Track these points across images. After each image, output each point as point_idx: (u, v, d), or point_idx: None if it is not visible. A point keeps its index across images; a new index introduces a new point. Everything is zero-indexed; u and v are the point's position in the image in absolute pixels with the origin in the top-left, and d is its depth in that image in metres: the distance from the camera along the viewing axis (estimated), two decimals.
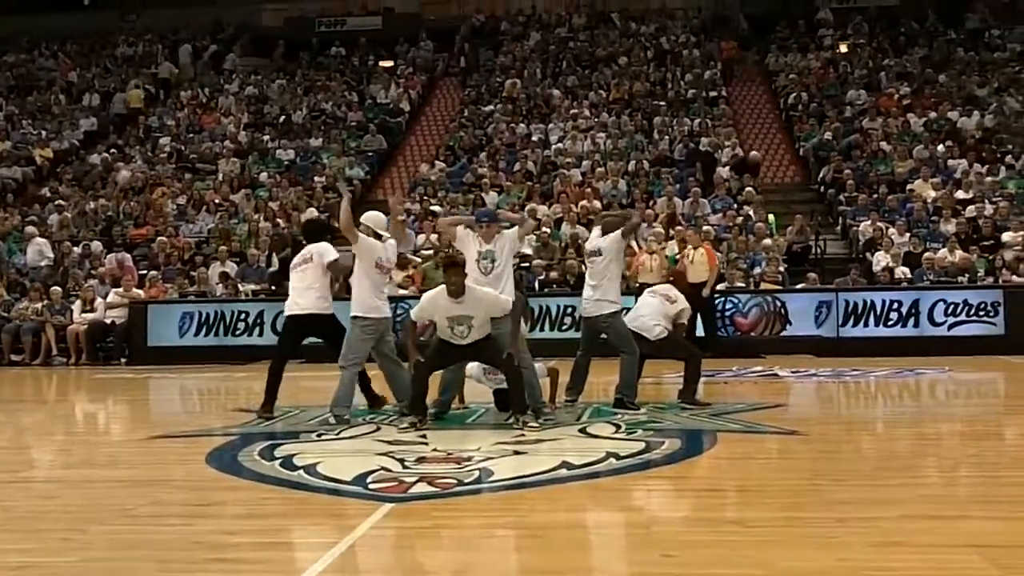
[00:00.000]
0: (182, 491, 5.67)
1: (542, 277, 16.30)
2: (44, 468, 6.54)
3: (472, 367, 8.32)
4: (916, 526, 4.58)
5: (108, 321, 15.69)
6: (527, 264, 16.12)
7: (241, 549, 4.33)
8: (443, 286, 7.24)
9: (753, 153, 21.09)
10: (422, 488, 5.41)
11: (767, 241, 16.56)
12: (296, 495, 5.41)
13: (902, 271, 15.67)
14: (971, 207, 17.51)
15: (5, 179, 22.25)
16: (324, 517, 4.89)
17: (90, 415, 8.94)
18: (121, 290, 16.08)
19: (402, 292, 15.48)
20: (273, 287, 16.62)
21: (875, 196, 18.49)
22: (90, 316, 15.72)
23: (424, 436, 7.15)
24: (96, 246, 18.09)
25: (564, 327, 14.81)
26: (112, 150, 23.52)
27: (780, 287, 15.50)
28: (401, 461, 6.18)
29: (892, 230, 16.81)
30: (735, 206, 18.27)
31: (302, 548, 4.23)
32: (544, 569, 3.96)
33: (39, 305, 16.03)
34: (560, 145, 21.77)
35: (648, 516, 4.83)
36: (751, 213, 17.78)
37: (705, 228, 16.23)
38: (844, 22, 27.05)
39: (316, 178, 21.03)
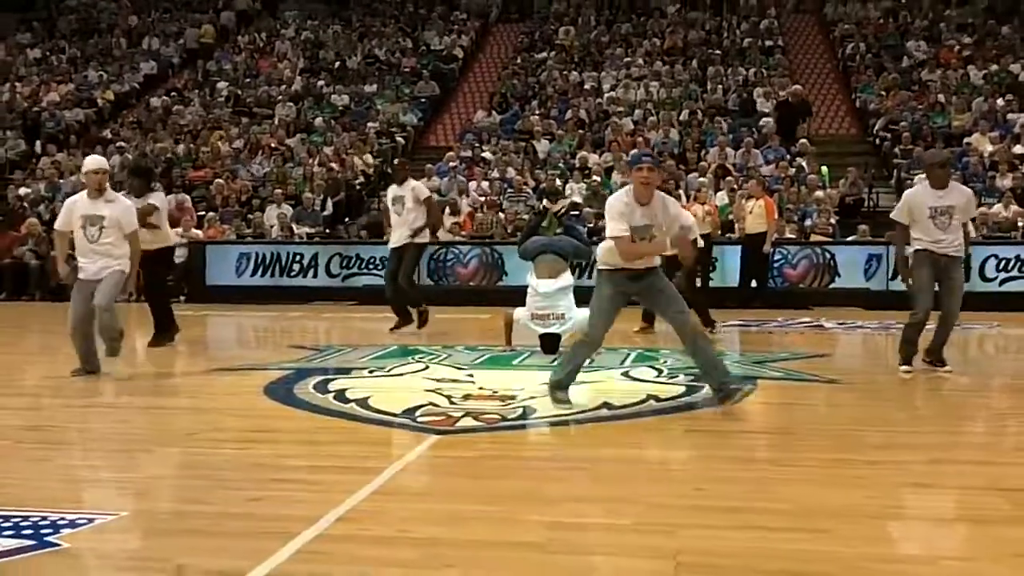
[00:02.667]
0: (240, 419, 5.98)
1: (591, 225, 16.40)
2: (112, 395, 6.88)
3: (519, 313, 8.52)
4: (944, 469, 4.72)
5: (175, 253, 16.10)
6: (577, 212, 16.22)
7: (296, 471, 4.61)
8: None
9: (796, 87, 20.73)
10: (468, 422, 5.65)
11: (819, 193, 16.48)
12: (348, 425, 5.68)
13: None
14: None
15: (68, 121, 22.75)
16: (374, 445, 5.15)
17: (151, 349, 9.30)
18: (180, 230, 16.48)
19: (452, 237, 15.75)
20: (327, 230, 16.95)
21: (931, 150, 18.23)
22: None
23: (471, 376, 7.40)
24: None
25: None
26: (172, 93, 23.91)
27: (831, 239, 15.47)
28: (448, 397, 6.43)
29: None
30: (787, 157, 18.16)
31: (353, 472, 4.48)
32: (579, 497, 4.18)
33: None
34: (612, 94, 21.70)
35: (683, 453, 5.02)
36: (804, 164, 17.67)
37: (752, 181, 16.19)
38: None
39: (370, 124, 21.25)
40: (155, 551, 3.41)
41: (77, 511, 3.81)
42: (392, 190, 10.96)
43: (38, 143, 21.72)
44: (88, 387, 7.06)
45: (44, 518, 3.72)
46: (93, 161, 7.78)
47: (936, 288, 7.40)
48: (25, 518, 3.72)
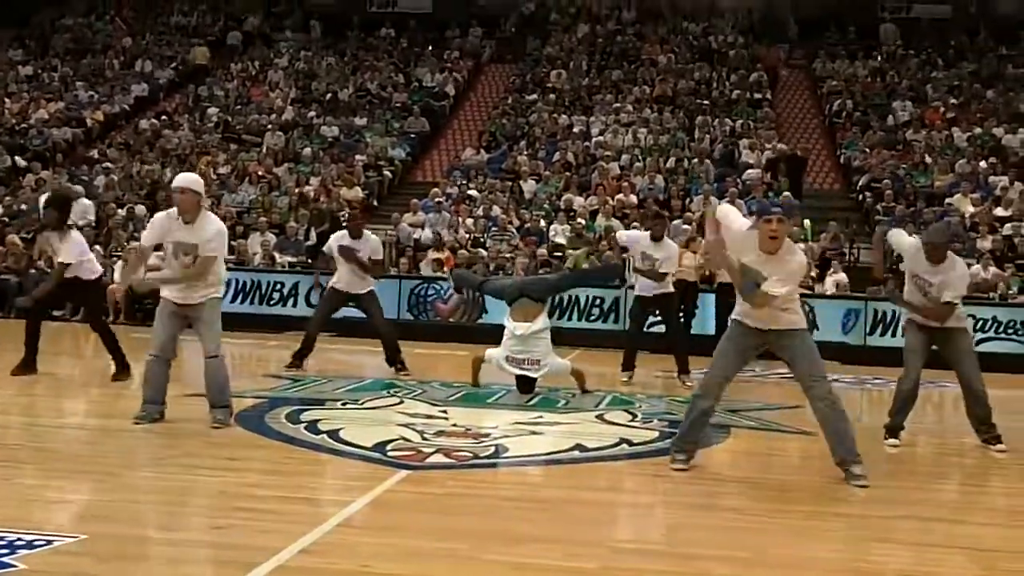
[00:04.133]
0: (211, 446, 5.93)
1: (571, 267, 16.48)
2: (81, 417, 6.83)
3: (493, 353, 8.50)
4: (911, 526, 4.73)
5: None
6: (560, 254, 16.30)
7: (262, 501, 4.57)
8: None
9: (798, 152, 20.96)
10: (439, 459, 5.63)
11: (800, 245, 16.57)
12: (318, 456, 5.65)
13: None
14: (1008, 225, 17.43)
15: (56, 139, 22.72)
16: (343, 478, 5.12)
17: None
18: (162, 253, 16.41)
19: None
20: (309, 260, 16.94)
21: (912, 208, 18.45)
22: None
23: (445, 412, 7.38)
24: (140, 210, 18.47)
25: (592, 317, 14.99)
26: (162, 116, 23.94)
27: (809, 292, 15.55)
28: (420, 433, 6.41)
29: None
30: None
31: (320, 504, 4.46)
32: (545, 539, 4.16)
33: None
34: (601, 138, 21.87)
35: (651, 498, 5.01)
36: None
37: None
38: (904, 32, 26.85)
39: (358, 156, 21.32)
40: (112, 574, 3.37)
41: (36, 532, 3.77)
42: (344, 240, 10.07)
43: (19, 159, 21.65)
44: (57, 407, 7.00)
45: (2, 538, 3.68)
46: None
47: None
48: None
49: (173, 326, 6.55)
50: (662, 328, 14.20)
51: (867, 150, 21.00)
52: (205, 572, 3.41)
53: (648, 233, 10.49)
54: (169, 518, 4.14)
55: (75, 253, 8.54)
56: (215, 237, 6.54)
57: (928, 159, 20.32)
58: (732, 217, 6.04)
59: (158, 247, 6.77)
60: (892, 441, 7.09)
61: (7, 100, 24.74)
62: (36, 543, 3.63)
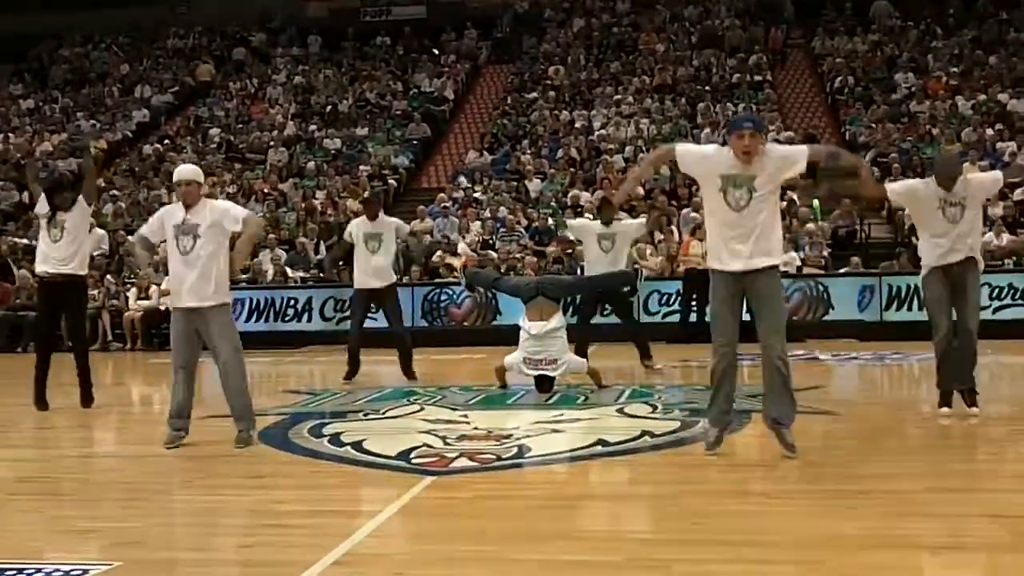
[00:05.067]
0: (236, 465, 5.97)
1: (584, 263, 16.47)
2: (106, 445, 6.89)
3: (512, 359, 8.52)
4: (939, 498, 4.72)
5: (162, 308, 16.10)
6: (570, 251, 16.30)
7: (291, 516, 4.60)
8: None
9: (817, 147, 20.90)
10: (463, 463, 5.65)
11: (810, 226, 16.57)
12: (343, 468, 5.68)
13: None
14: (1019, 190, 17.35)
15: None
16: (369, 488, 5.15)
17: (146, 397, 9.31)
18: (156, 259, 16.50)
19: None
20: (321, 274, 17.00)
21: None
22: (145, 303, 16.20)
23: (466, 416, 7.40)
24: None
25: (606, 312, 14.95)
26: (165, 141, 24.05)
27: (823, 272, 15.54)
28: (443, 438, 6.43)
29: None
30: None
31: (348, 515, 4.48)
32: (573, 535, 4.18)
33: (95, 292, 16.53)
34: (603, 131, 21.87)
35: (678, 488, 5.01)
36: (795, 198, 17.77)
37: None
38: (901, 3, 26.72)
39: (362, 167, 21.37)
40: None
41: (71, 562, 3.80)
42: (364, 225, 9.94)
43: (16, 193, 21.79)
44: (82, 437, 7.06)
45: (38, 570, 3.71)
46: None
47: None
48: (20, 571, 3.71)
49: (190, 340, 6.50)
50: (675, 319, 14.23)
51: (872, 125, 20.95)
52: None
53: (597, 221, 10.71)
54: (200, 539, 4.17)
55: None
56: (229, 207, 6.63)
57: (934, 130, 20.23)
58: (692, 147, 6.09)
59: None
60: (944, 410, 7.02)
61: (11, 135, 24.91)
62: (73, 572, 3.67)
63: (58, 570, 3.70)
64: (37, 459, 6.32)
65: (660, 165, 5.73)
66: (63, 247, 8.30)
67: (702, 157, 5.78)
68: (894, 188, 7.33)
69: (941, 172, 6.93)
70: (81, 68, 29.29)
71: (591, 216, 16.71)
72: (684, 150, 5.92)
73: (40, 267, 8.43)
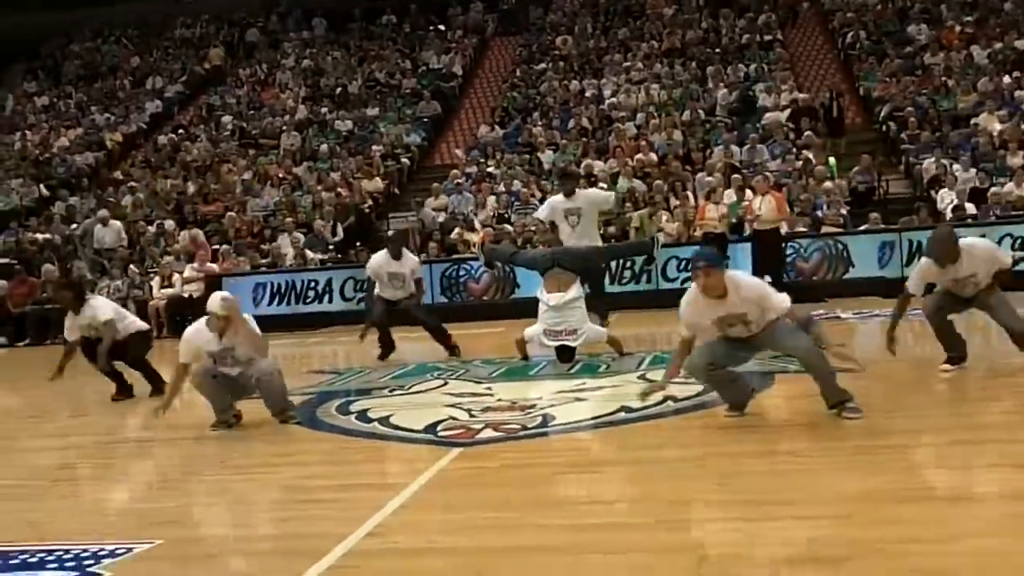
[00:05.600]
0: (267, 444, 6.07)
1: (600, 232, 16.47)
2: (138, 430, 6.99)
3: (532, 331, 8.57)
4: (963, 451, 4.76)
5: (186, 295, 16.28)
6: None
7: (323, 491, 4.69)
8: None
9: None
10: (489, 434, 5.73)
11: (828, 184, 16.50)
12: (372, 444, 5.77)
13: (968, 207, 15.51)
14: None
15: (79, 165, 23.01)
16: (398, 461, 5.23)
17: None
18: (196, 265, 16.67)
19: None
20: (339, 255, 17.10)
21: (938, 133, 18.26)
22: (169, 291, 16.34)
23: (489, 388, 7.47)
24: (169, 224, 18.71)
25: (624, 280, 15.02)
26: (179, 130, 24.16)
27: (842, 230, 15.48)
28: (468, 411, 6.50)
29: (956, 166, 16.60)
30: (794, 150, 18.19)
31: (379, 488, 4.56)
32: (601, 499, 4.25)
33: (120, 283, 16.71)
34: (614, 99, 21.78)
35: (702, 451, 5.06)
36: (811, 157, 17.69)
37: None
38: None
39: (375, 147, 21.41)
40: (193, 573, 3.49)
41: (116, 542, 3.91)
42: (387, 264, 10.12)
43: (42, 187, 21.98)
44: (114, 424, 7.17)
45: (85, 550, 3.83)
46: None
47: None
48: (67, 551, 3.83)
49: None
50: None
51: (886, 79, 20.75)
52: (279, 563, 3.52)
53: (560, 195, 10.58)
54: (236, 516, 4.27)
55: (110, 309, 8.58)
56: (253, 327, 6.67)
57: (949, 81, 20.04)
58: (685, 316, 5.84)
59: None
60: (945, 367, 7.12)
61: (28, 132, 25.07)
62: (118, 551, 3.77)
63: (103, 549, 3.81)
64: (73, 446, 6.44)
65: (687, 351, 5.73)
66: None
67: (692, 312, 5.70)
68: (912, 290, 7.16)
69: (934, 253, 6.85)
70: (93, 63, 29.40)
71: (604, 186, 16.75)
72: (684, 323, 5.78)
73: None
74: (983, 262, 6.93)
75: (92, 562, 3.68)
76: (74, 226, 19.50)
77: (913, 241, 14.63)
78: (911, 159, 17.92)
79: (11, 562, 3.75)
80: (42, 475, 5.53)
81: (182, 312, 16.43)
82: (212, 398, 6.52)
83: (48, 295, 16.44)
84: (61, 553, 3.80)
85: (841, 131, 19.64)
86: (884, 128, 19.67)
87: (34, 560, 3.76)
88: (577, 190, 10.52)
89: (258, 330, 6.61)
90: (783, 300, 5.64)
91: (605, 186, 17.44)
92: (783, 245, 14.44)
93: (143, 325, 9.19)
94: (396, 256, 10.04)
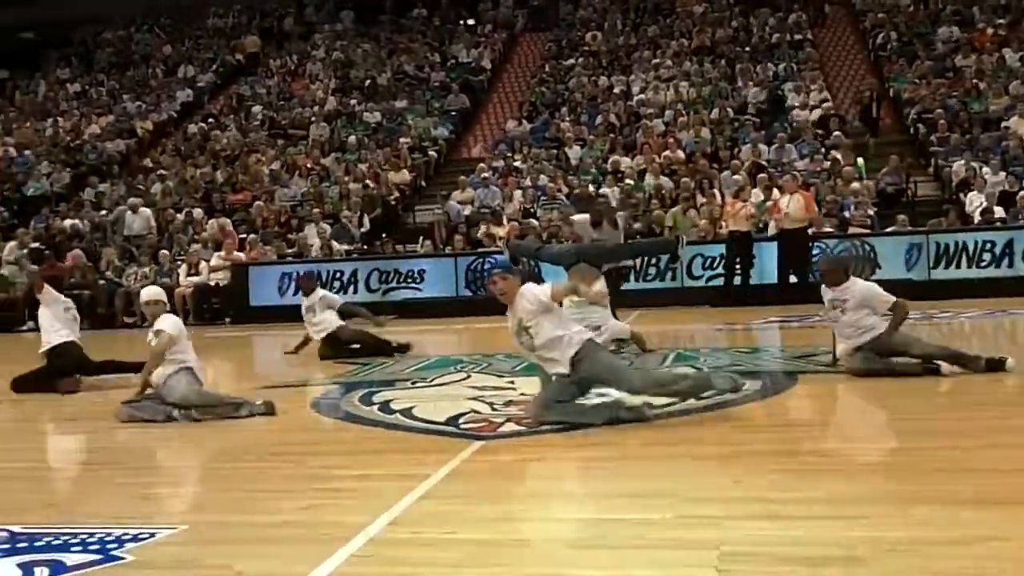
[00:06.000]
0: (290, 433, 6.14)
1: (626, 228, 16.47)
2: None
3: None
4: (996, 455, 4.70)
5: (212, 283, 16.45)
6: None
7: (346, 480, 4.75)
8: None
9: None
10: (511, 427, 5.77)
11: (855, 184, 16.42)
12: (394, 434, 5.82)
13: (997, 211, 15.40)
14: None
15: (110, 152, 23.23)
16: (420, 452, 5.27)
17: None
18: (223, 253, 16.82)
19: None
20: (365, 246, 17.18)
21: (968, 136, 18.13)
22: (195, 279, 16.50)
23: (512, 382, 7.51)
24: (198, 212, 18.88)
25: (649, 277, 15.03)
26: (209, 119, 24.34)
27: (869, 231, 15.41)
28: (490, 404, 6.55)
29: (986, 169, 16.48)
30: (822, 150, 18.11)
31: (401, 479, 4.60)
32: (620, 494, 4.27)
33: (147, 270, 16.88)
34: (642, 96, 21.76)
35: (724, 449, 5.07)
36: (839, 157, 17.61)
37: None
38: None
39: (402, 139, 21.49)
40: (215, 559, 3.55)
41: (140, 526, 3.97)
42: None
43: (67, 175, 22.19)
44: None
45: (109, 533, 3.88)
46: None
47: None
48: (91, 534, 3.89)
49: None
50: (718, 282, 14.24)
51: (916, 81, 20.63)
52: (303, 550, 3.57)
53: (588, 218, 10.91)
54: (260, 503, 4.32)
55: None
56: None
57: (980, 84, 19.88)
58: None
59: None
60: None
61: (60, 119, 25.33)
62: (141, 536, 3.83)
63: (126, 533, 3.87)
64: (101, 430, 6.52)
65: None
66: None
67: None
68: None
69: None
70: (125, 51, 29.67)
71: (630, 183, 16.76)
72: None
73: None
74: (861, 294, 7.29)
75: (115, 545, 3.73)
76: (104, 212, 19.70)
77: (941, 244, 14.56)
78: (940, 161, 17.80)
79: (36, 544, 3.81)
80: (70, 459, 5.62)
81: (208, 300, 16.60)
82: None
83: (76, 280, 16.63)
84: (85, 536, 3.86)
85: (877, 130, 19.56)
86: (913, 130, 19.54)
87: (58, 542, 3.81)
88: (604, 223, 10.74)
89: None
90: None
91: (632, 183, 17.45)
92: (810, 245, 14.40)
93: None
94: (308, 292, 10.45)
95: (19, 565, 3.55)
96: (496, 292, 5.93)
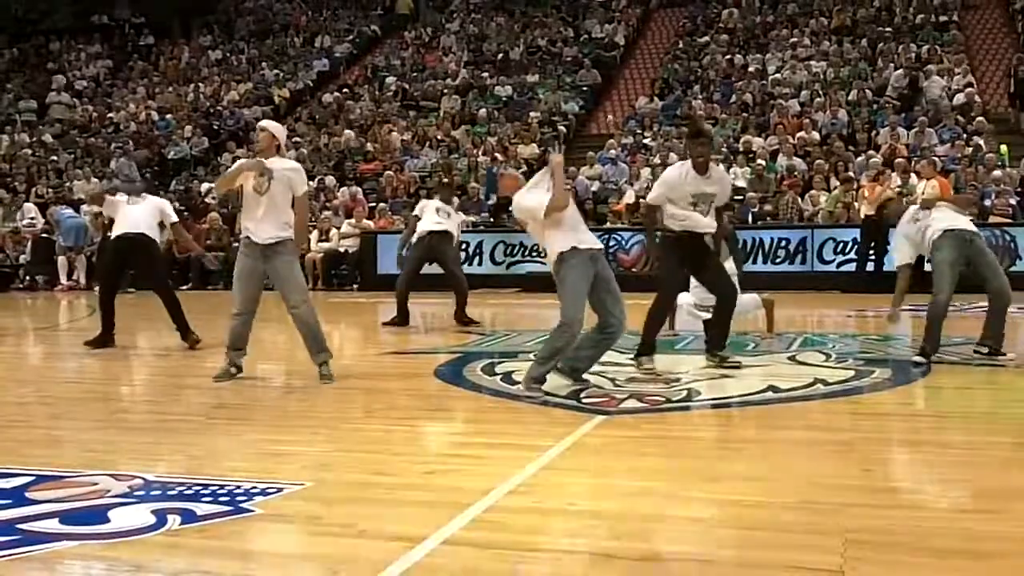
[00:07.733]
0: (413, 399, 6.26)
1: (755, 210, 16.16)
2: (291, 377, 7.30)
3: (683, 299, 8.50)
4: None
5: (342, 250, 16.85)
6: (741, 197, 16.01)
7: (467, 447, 4.82)
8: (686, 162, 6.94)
9: None
10: (632, 403, 5.74)
11: (997, 172, 15.71)
12: (515, 405, 5.86)
13: None
14: None
15: (247, 119, 23.96)
16: (541, 424, 5.30)
17: (327, 334, 9.72)
18: (353, 221, 17.20)
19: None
20: (492, 219, 17.30)
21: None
22: (326, 245, 16.92)
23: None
24: (330, 180, 19.33)
25: (777, 259, 14.71)
26: (344, 89, 24.85)
27: (1011, 221, 14.73)
28: (612, 380, 6.54)
29: None
30: (964, 136, 17.36)
31: (521, 449, 4.63)
32: (744, 476, 4.20)
33: None
34: (778, 75, 21.23)
35: (849, 435, 4.95)
36: (981, 143, 16.85)
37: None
38: None
39: (532, 113, 21.51)
40: (339, 517, 3.65)
41: (267, 481, 4.11)
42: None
43: (206, 139, 22.96)
44: (268, 369, 7.51)
45: (238, 487, 4.03)
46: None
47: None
48: (222, 486, 4.04)
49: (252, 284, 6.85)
50: (850, 267, 13.81)
51: None
52: (423, 512, 3.64)
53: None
54: (383, 465, 4.41)
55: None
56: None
57: None
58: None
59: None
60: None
61: (201, 85, 26.25)
62: (268, 490, 3.96)
63: (255, 487, 4.01)
64: (228, 387, 6.76)
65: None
66: None
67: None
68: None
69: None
70: (265, 20, 30.50)
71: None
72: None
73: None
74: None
75: (244, 498, 3.87)
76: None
77: None
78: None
79: (169, 492, 3.99)
80: (199, 412, 5.85)
81: (337, 266, 17.02)
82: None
83: (212, 243, 17.25)
84: (216, 488, 4.01)
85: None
86: None
87: (190, 492, 3.98)
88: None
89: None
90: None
91: (763, 163, 17.08)
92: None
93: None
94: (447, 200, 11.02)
95: (153, 512, 3.72)
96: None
